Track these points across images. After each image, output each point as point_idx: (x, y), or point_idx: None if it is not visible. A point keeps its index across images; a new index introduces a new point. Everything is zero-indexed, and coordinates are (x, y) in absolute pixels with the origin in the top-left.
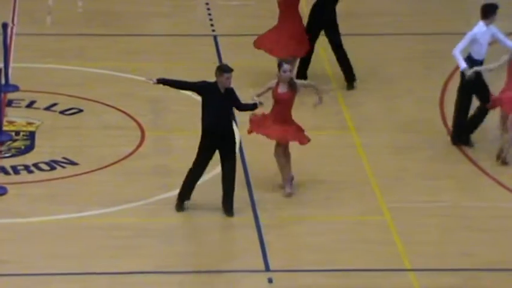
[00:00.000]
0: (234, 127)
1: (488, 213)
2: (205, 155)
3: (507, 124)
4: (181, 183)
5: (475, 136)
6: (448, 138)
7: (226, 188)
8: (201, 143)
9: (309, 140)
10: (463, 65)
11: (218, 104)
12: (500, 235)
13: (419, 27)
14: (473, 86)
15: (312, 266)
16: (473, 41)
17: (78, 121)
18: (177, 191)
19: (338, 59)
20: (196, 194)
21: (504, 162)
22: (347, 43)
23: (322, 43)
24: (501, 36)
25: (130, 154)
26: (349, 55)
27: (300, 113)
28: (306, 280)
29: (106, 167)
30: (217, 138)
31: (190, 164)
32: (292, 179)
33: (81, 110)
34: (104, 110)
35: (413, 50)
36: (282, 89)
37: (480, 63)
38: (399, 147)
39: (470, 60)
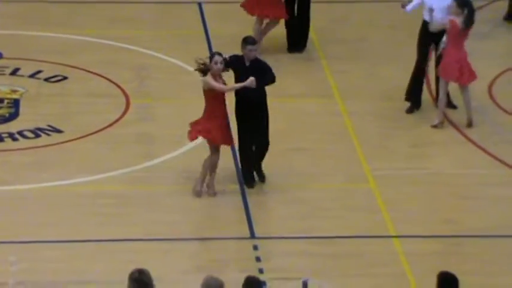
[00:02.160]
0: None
1: (472, 180)
2: (242, 127)
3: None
4: (165, 150)
5: (460, 104)
6: (433, 104)
7: (255, 161)
8: (236, 116)
9: (228, 143)
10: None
11: (243, 77)
12: (483, 202)
13: None
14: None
15: (296, 233)
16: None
17: (63, 88)
18: (161, 159)
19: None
20: (181, 162)
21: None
22: (333, 10)
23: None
24: None
25: (115, 122)
26: (336, 22)
27: (285, 81)
28: (290, 247)
29: (91, 134)
30: (248, 109)
31: (175, 132)
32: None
33: (65, 78)
34: (88, 78)
35: (398, 18)
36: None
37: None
38: (384, 115)
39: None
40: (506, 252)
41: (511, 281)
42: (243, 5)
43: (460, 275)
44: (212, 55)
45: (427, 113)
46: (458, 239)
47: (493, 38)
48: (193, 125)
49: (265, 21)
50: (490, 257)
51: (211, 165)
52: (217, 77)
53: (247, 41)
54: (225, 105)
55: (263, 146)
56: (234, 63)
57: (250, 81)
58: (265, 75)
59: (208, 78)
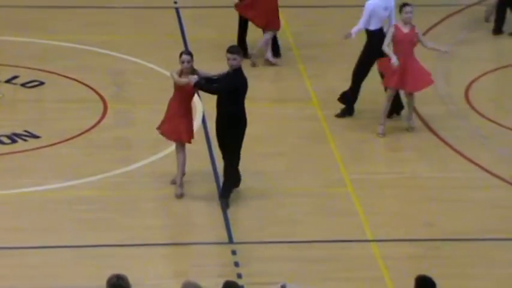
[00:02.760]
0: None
1: (449, 183)
2: (218, 140)
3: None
4: (143, 155)
5: (437, 108)
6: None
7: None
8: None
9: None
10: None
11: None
12: (460, 205)
13: None
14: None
15: (275, 238)
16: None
17: (40, 94)
18: (139, 164)
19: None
20: (159, 167)
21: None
22: (309, 15)
23: (286, 15)
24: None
25: (93, 127)
26: (312, 27)
27: (262, 86)
28: (269, 252)
29: (68, 140)
30: (224, 119)
31: (152, 137)
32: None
33: (42, 83)
34: (65, 83)
35: None
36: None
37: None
38: (361, 119)
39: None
40: (484, 255)
41: (489, 284)
42: (250, 19)
43: (438, 278)
44: (181, 53)
45: (401, 116)
46: (436, 243)
47: (468, 43)
48: (164, 123)
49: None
50: (468, 261)
51: (183, 164)
52: (183, 74)
53: (227, 49)
54: (190, 104)
55: (227, 162)
56: (221, 75)
57: (190, 77)
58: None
59: (174, 72)
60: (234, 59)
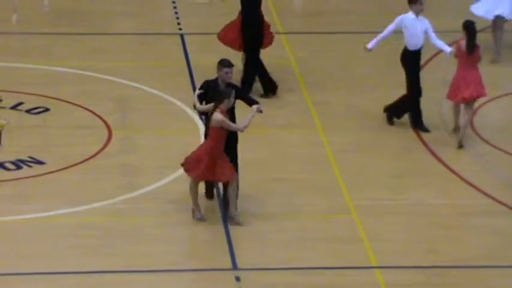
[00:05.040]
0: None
1: (453, 210)
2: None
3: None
4: (148, 181)
5: (441, 133)
6: (414, 134)
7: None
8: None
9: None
10: (448, 48)
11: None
12: (464, 232)
13: (383, 26)
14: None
15: (279, 264)
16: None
17: (45, 120)
18: (144, 190)
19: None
20: (163, 193)
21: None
22: (313, 41)
23: (290, 41)
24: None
25: (97, 153)
26: (316, 53)
27: (266, 112)
28: (273, 278)
29: (73, 166)
30: (236, 137)
31: (157, 163)
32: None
33: (47, 109)
34: (70, 109)
35: (378, 48)
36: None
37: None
38: (365, 145)
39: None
40: (487, 282)
41: None
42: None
43: None
44: (232, 90)
45: (407, 142)
46: (440, 270)
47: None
48: (196, 161)
49: None
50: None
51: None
52: (225, 113)
53: (223, 63)
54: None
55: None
56: (210, 89)
57: (257, 107)
58: (246, 95)
59: (221, 117)
60: (231, 72)
